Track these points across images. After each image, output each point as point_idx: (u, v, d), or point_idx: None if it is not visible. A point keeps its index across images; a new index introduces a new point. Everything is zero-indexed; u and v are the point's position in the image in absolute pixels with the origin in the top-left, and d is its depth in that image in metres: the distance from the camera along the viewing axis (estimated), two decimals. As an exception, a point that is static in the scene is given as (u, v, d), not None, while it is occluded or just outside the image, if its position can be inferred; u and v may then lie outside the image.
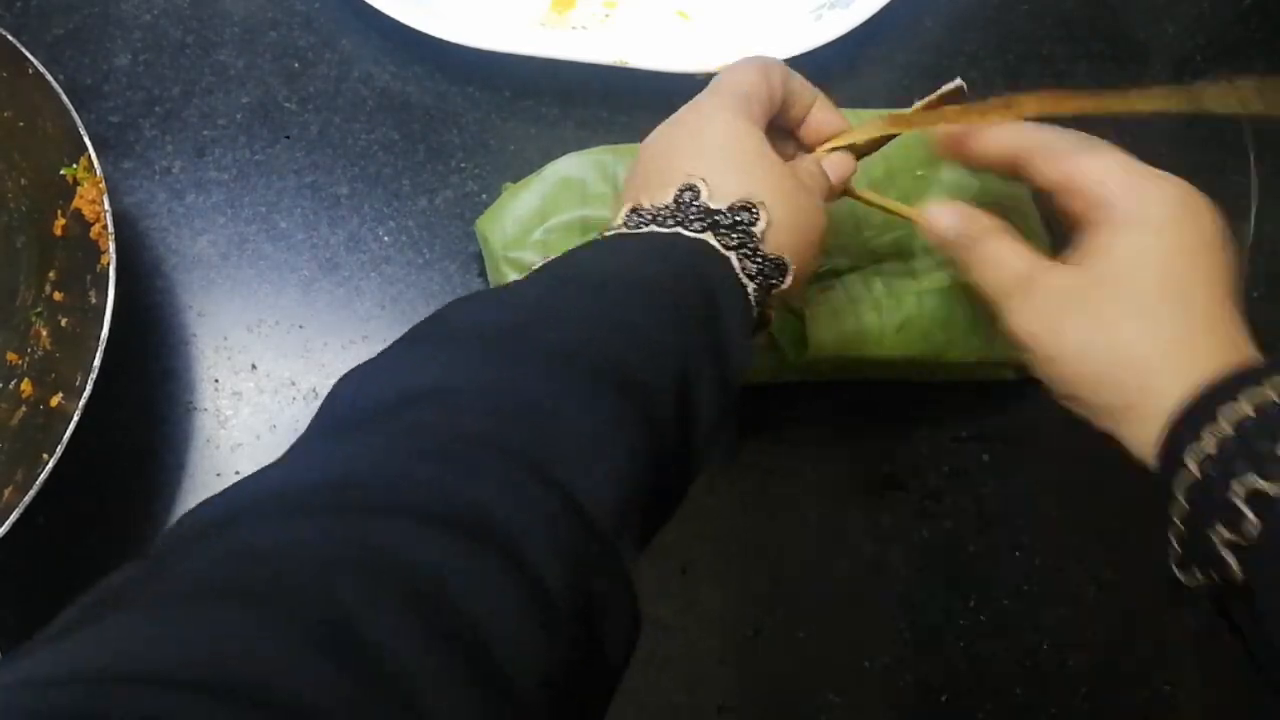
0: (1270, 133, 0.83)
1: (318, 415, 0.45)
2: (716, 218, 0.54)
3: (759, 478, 0.72)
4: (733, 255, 0.54)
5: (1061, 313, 0.55)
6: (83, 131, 0.67)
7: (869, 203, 0.66)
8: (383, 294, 0.75)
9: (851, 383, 0.72)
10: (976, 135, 0.61)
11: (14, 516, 0.59)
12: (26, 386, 0.67)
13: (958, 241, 0.60)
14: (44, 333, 0.69)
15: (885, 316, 0.67)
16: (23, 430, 0.66)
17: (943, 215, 0.61)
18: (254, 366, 0.72)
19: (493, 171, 0.79)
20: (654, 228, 0.55)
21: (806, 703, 0.67)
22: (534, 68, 0.79)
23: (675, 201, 0.55)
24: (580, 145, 0.72)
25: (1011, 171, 0.61)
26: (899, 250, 0.71)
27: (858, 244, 0.70)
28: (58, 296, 0.69)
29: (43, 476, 0.59)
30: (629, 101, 0.80)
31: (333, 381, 0.70)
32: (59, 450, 0.60)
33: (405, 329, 0.72)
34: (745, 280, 0.54)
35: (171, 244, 0.76)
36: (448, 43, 0.78)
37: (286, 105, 0.81)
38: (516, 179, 0.72)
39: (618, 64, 0.78)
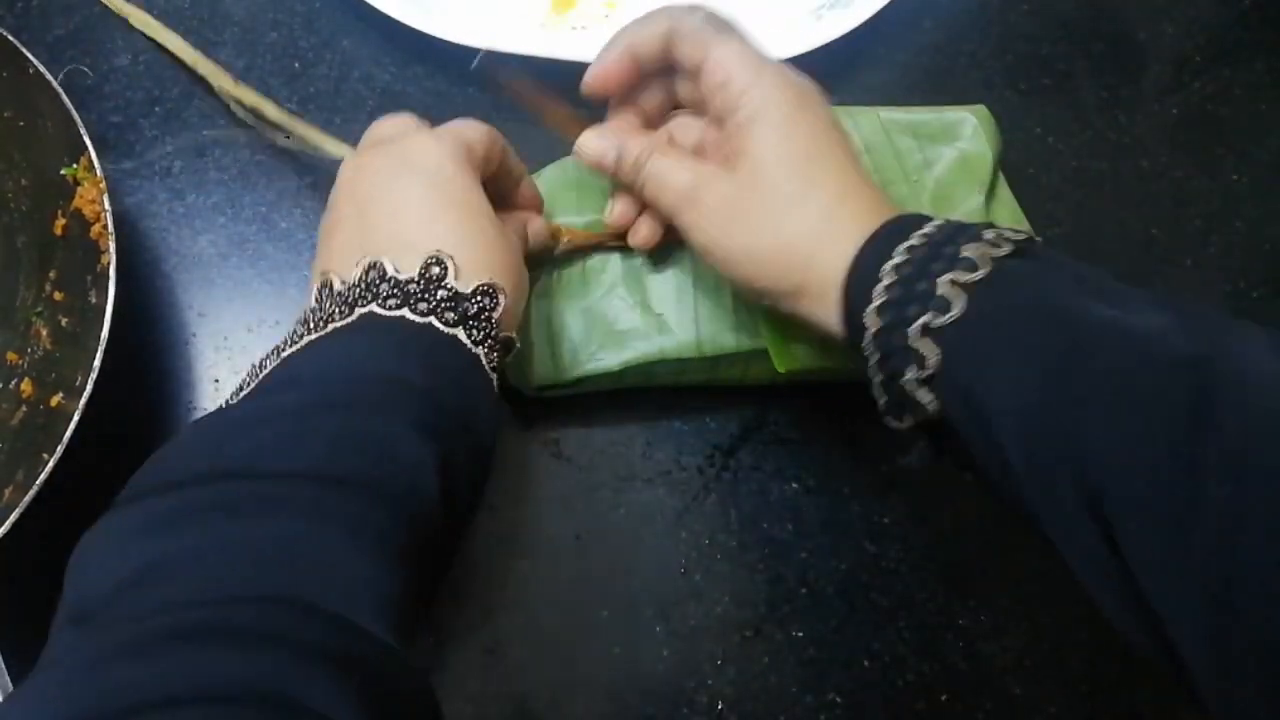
0: (1266, 130, 0.83)
1: (65, 596, 0.45)
2: (465, 306, 0.55)
3: (759, 479, 0.72)
4: (481, 350, 0.55)
5: (725, 220, 0.60)
6: (83, 131, 0.67)
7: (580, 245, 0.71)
8: (383, 294, 0.75)
9: (851, 383, 0.72)
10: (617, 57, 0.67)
11: (14, 516, 0.59)
12: (27, 386, 0.67)
13: (620, 166, 0.65)
14: (44, 332, 0.69)
15: None
16: (23, 430, 0.66)
17: (592, 141, 0.66)
18: (254, 366, 0.72)
19: (493, 172, 0.79)
20: (388, 309, 0.54)
21: (807, 703, 0.67)
22: (535, 68, 0.79)
23: (421, 278, 0.55)
24: (580, 145, 0.72)
25: (665, 60, 0.66)
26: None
27: None
28: (58, 296, 0.69)
29: (43, 476, 0.59)
30: (629, 102, 0.80)
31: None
32: (59, 450, 0.60)
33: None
34: (487, 363, 0.56)
35: (172, 244, 0.76)
36: (448, 43, 0.78)
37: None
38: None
39: (618, 64, 0.78)
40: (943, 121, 0.74)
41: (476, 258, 0.56)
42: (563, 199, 0.70)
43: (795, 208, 0.58)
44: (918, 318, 0.52)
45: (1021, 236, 0.54)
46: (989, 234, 0.53)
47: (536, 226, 0.67)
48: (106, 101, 0.80)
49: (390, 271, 0.54)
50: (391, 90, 0.82)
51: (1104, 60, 0.86)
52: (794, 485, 0.72)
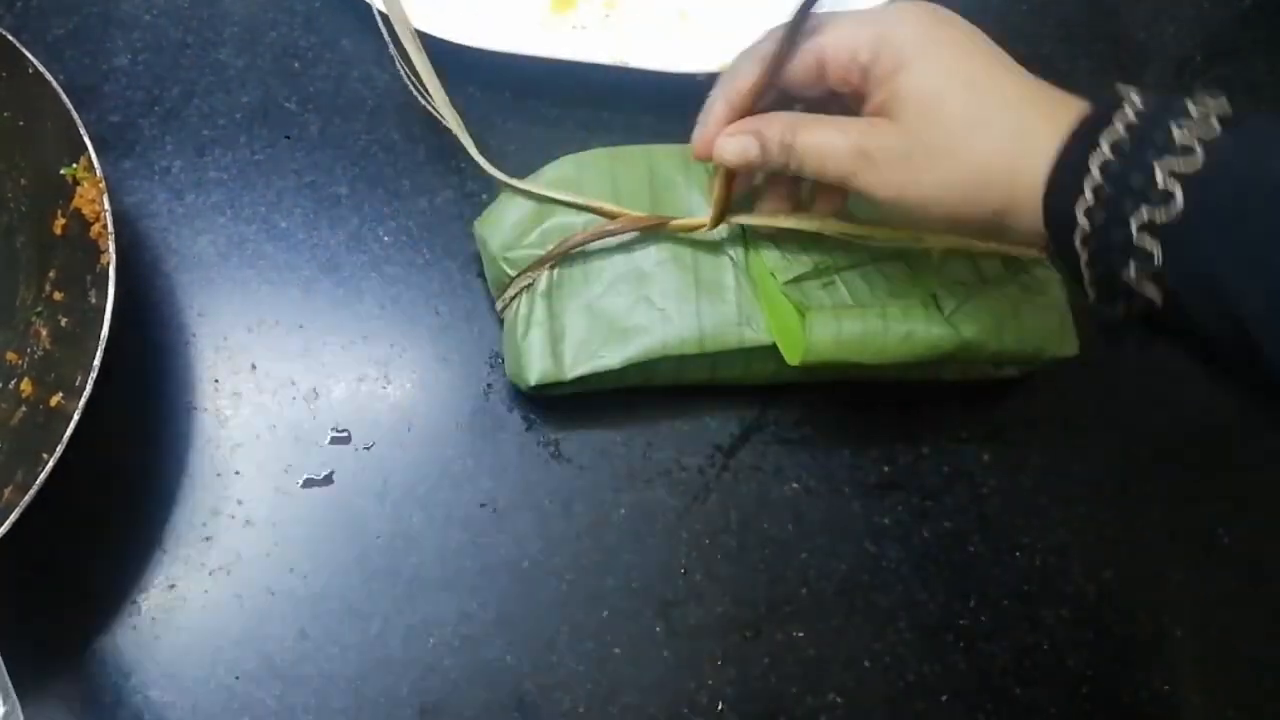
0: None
1: None
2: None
3: (759, 479, 0.72)
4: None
5: (908, 165, 0.57)
6: (82, 131, 0.67)
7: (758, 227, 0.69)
8: (383, 294, 0.75)
9: (852, 383, 0.72)
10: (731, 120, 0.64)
11: (14, 516, 0.58)
12: (26, 386, 0.67)
13: (766, 155, 0.62)
14: (44, 332, 0.69)
15: (891, 324, 0.67)
16: (22, 430, 0.66)
17: (733, 143, 0.63)
18: (254, 366, 0.72)
19: (493, 172, 0.79)
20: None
21: (807, 703, 0.67)
22: (534, 68, 0.79)
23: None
24: (581, 146, 0.72)
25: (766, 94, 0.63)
26: (900, 251, 0.70)
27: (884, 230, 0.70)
28: (58, 296, 0.69)
29: (42, 476, 0.59)
30: (629, 102, 0.80)
31: (332, 381, 0.71)
32: (59, 450, 0.59)
33: (405, 329, 0.73)
34: None
35: (171, 244, 0.76)
36: (448, 43, 0.78)
37: (287, 105, 0.81)
38: (516, 179, 0.72)
39: (618, 64, 0.78)
40: None
41: None
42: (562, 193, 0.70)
43: (982, 126, 0.56)
44: (1136, 212, 0.50)
45: (1226, 109, 0.51)
46: (1194, 109, 0.51)
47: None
48: (106, 101, 0.80)
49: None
50: (391, 90, 0.82)
51: (1105, 60, 0.86)
52: (794, 485, 0.72)
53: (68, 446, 0.60)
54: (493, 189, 0.77)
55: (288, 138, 0.79)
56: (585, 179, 0.71)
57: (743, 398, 0.73)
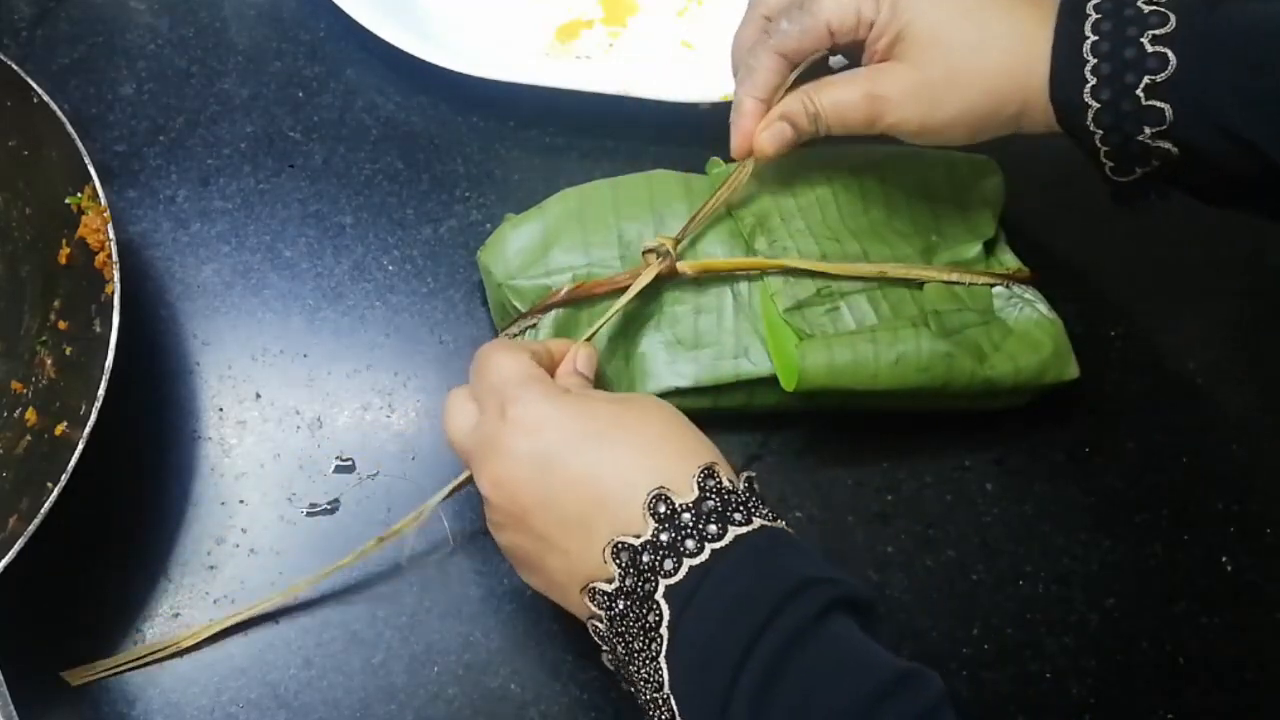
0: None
1: None
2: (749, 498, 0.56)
3: (762, 506, 0.72)
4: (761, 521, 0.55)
5: (926, 97, 0.64)
6: (87, 160, 0.67)
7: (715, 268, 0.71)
8: (387, 323, 0.75)
9: (854, 411, 0.72)
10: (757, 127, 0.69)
11: (19, 545, 0.59)
12: (31, 415, 0.67)
13: (804, 131, 0.67)
14: (48, 361, 0.69)
15: (881, 349, 0.67)
16: (28, 459, 0.66)
17: (769, 134, 0.68)
18: (258, 395, 0.72)
19: (497, 201, 0.79)
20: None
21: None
22: (538, 97, 0.79)
23: (701, 491, 0.53)
24: (585, 175, 0.73)
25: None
26: (907, 279, 0.71)
27: (867, 266, 0.70)
28: (62, 325, 0.69)
29: (47, 505, 0.59)
30: (633, 131, 0.81)
31: (336, 410, 0.71)
32: (63, 479, 0.59)
33: (409, 358, 0.73)
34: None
35: (176, 273, 0.76)
36: (452, 72, 0.79)
37: (291, 134, 0.81)
38: (520, 208, 0.72)
39: (621, 94, 0.78)
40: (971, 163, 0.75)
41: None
42: (567, 231, 0.70)
43: (985, 48, 0.62)
44: (1139, 81, 0.58)
45: None
46: None
47: (585, 353, 0.65)
48: (111, 131, 0.80)
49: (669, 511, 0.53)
50: (395, 119, 0.82)
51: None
52: (798, 514, 0.72)
53: (72, 475, 0.60)
54: (497, 218, 0.77)
55: (292, 167, 0.80)
56: (588, 209, 0.71)
57: (746, 427, 0.73)
